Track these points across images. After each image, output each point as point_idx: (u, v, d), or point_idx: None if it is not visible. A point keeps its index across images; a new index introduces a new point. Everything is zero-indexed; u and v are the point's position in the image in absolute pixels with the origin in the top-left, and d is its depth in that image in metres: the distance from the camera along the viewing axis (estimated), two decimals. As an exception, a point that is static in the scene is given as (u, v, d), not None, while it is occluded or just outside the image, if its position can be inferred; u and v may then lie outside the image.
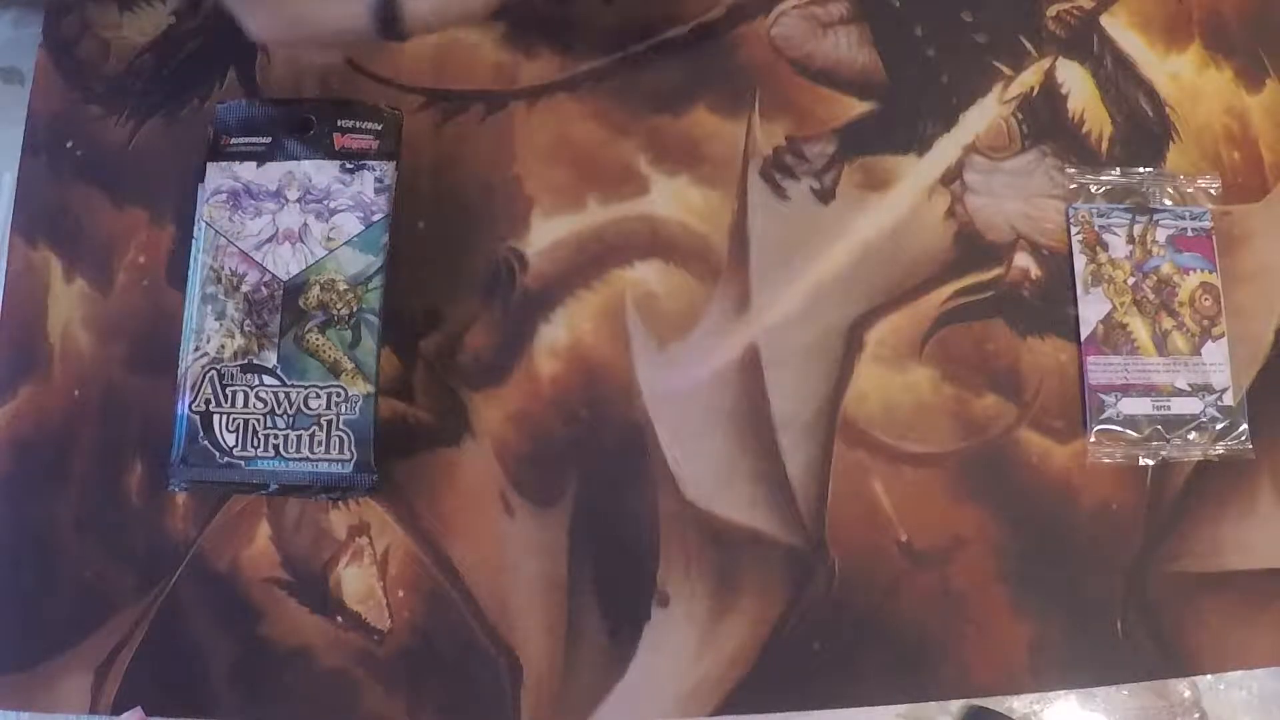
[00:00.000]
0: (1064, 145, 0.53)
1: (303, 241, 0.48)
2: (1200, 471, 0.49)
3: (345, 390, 0.46)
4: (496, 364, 0.51)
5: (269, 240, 0.48)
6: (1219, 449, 0.49)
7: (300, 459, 0.46)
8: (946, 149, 0.53)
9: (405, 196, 0.50)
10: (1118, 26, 0.54)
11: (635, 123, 0.53)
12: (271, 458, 0.46)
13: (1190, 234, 0.51)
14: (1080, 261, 0.51)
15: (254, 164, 0.49)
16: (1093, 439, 0.49)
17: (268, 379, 0.46)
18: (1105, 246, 0.51)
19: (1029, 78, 0.54)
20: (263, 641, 0.48)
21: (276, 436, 0.46)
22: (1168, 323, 0.50)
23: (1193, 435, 0.49)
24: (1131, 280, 0.50)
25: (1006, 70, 0.54)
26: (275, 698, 0.47)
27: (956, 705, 0.47)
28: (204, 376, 0.46)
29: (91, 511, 0.50)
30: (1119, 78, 0.54)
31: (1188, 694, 0.47)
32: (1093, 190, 0.52)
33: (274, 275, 0.47)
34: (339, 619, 0.48)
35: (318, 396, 0.46)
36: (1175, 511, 0.49)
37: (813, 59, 0.54)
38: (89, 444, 0.50)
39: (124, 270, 0.52)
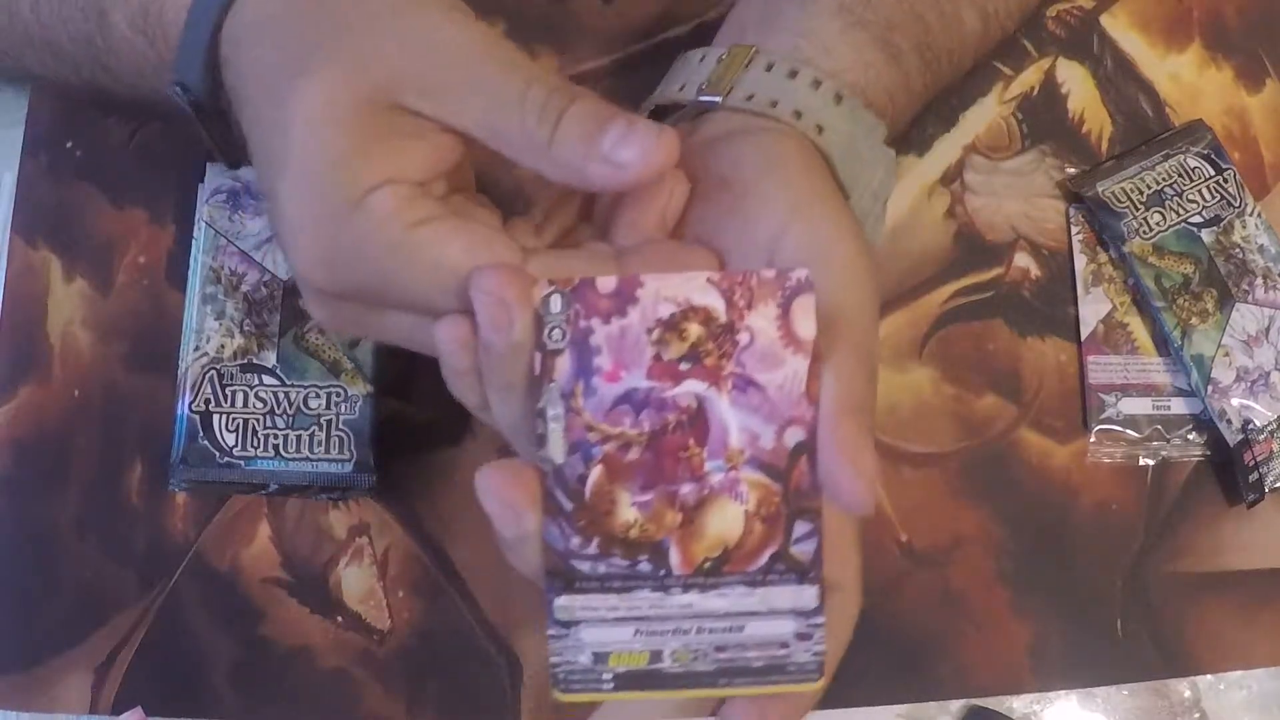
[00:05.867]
0: (1064, 145, 0.53)
1: (303, 241, 0.48)
2: (1200, 471, 0.49)
3: (345, 390, 0.46)
4: (496, 364, 0.51)
5: (269, 240, 0.48)
6: (1219, 449, 0.49)
7: (300, 459, 0.46)
8: (946, 149, 0.53)
9: (405, 196, 0.50)
10: (1118, 26, 0.54)
11: (635, 123, 0.53)
12: (271, 458, 0.46)
13: (1190, 234, 0.51)
14: (1080, 261, 0.51)
15: (254, 164, 0.49)
16: (1093, 439, 0.49)
17: (267, 379, 0.46)
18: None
19: (1029, 78, 0.54)
20: (263, 641, 0.48)
21: (276, 436, 0.46)
22: (1168, 323, 0.50)
23: (1193, 435, 0.49)
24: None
25: (1006, 70, 0.54)
26: (275, 698, 0.47)
27: (956, 705, 0.47)
28: (204, 376, 0.46)
29: (91, 511, 0.50)
30: (1119, 78, 0.54)
31: (1188, 694, 0.46)
32: (1093, 190, 0.52)
33: (274, 275, 0.47)
34: (339, 619, 0.48)
35: (317, 396, 0.46)
36: (1175, 511, 0.49)
37: (813, 59, 0.54)
38: (89, 444, 0.50)
39: (124, 270, 0.52)
